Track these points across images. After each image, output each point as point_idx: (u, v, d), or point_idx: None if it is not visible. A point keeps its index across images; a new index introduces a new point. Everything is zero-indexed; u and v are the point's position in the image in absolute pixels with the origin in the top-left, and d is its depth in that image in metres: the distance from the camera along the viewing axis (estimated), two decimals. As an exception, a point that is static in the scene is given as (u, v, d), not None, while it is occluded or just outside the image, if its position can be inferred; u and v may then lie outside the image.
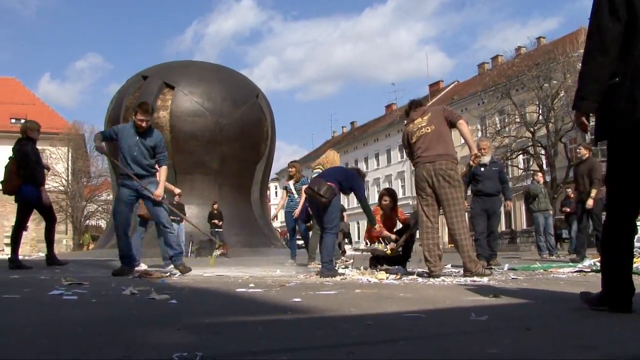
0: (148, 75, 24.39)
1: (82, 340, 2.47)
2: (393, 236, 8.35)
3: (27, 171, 9.21)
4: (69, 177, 53.27)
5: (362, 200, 7.98)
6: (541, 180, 15.94)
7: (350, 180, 7.87)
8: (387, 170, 67.21)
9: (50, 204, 10.20)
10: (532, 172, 26.33)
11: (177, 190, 11.69)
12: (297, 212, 11.56)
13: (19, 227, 9.64)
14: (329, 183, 7.56)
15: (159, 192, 7.55)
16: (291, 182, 12.25)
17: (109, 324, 2.98)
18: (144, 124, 7.49)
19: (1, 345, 2.36)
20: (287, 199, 12.33)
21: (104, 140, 7.68)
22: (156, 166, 7.88)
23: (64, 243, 54.37)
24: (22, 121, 10.22)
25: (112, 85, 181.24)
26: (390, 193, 8.85)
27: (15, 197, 9.38)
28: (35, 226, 53.36)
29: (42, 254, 40.37)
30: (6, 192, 9.38)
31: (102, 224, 58.24)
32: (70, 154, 53.36)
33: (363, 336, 2.62)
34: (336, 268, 7.75)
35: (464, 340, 2.53)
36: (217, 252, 9.99)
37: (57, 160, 52.54)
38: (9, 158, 9.35)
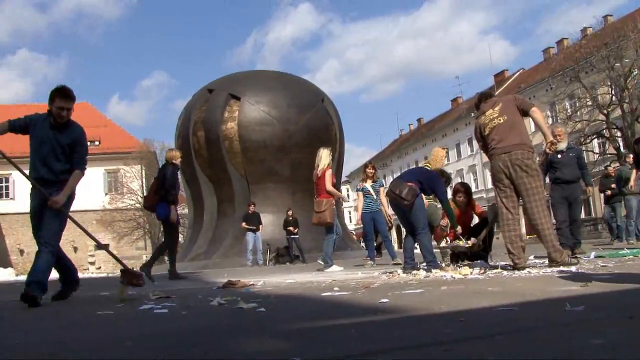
0: (213, 89, 24.72)
1: (180, 351, 2.51)
2: (461, 242, 8.25)
3: (162, 191, 10.61)
4: (144, 194, 54.34)
5: (444, 201, 7.93)
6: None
7: (431, 180, 7.80)
8: (458, 165, 66.52)
9: (178, 223, 11.22)
10: (624, 154, 25.68)
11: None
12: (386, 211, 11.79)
13: (169, 244, 11.18)
14: (409, 184, 7.51)
15: (58, 198, 5.80)
16: (368, 183, 12.22)
17: (202, 334, 3.02)
18: (63, 114, 5.78)
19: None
20: (364, 201, 12.29)
21: (9, 131, 5.98)
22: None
23: (143, 259, 55.50)
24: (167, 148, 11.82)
25: (178, 101, 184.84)
26: (464, 188, 8.76)
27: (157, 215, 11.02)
28: (115, 244, 54.88)
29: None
30: (145, 207, 11.59)
31: (179, 237, 59.21)
32: (143, 172, 54.48)
33: (457, 333, 2.58)
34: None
35: (564, 332, 2.46)
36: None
37: (131, 178, 53.82)
38: (154, 178, 11.22)
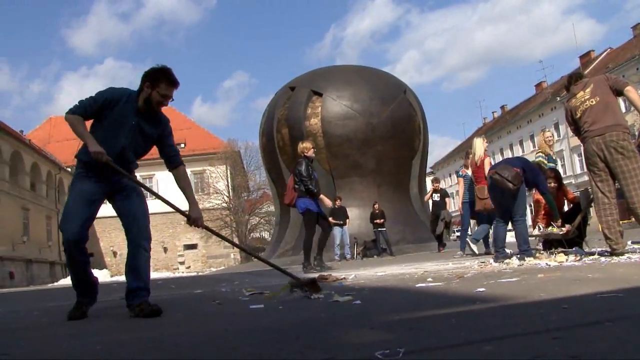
0: (295, 86, 24.90)
1: (282, 345, 2.53)
2: (555, 229, 8.08)
3: (300, 185, 10.70)
4: (230, 194, 55.30)
5: (546, 194, 7.78)
6: None
7: (534, 171, 7.68)
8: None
9: (325, 214, 11.46)
10: None
11: (327, 202, 11.78)
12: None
13: (312, 235, 11.11)
14: (515, 169, 7.39)
15: (199, 216, 4.99)
16: (469, 170, 12.10)
17: (302, 328, 3.04)
18: (165, 102, 4.68)
19: (210, 354, 2.45)
20: (464, 188, 12.20)
21: (88, 117, 4.63)
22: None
23: (231, 257, 56.55)
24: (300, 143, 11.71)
25: (259, 100, 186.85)
26: (554, 174, 8.57)
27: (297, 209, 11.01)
28: (203, 243, 56.03)
29: (214, 269, 41.81)
30: (285, 203, 11.34)
31: (266, 235, 60.06)
32: (228, 172, 55.48)
33: (563, 320, 2.52)
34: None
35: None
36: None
37: (217, 178, 54.87)
38: (292, 174, 11.09)
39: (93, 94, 4.65)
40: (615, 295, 3.14)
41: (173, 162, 4.93)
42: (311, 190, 10.73)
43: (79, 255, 4.53)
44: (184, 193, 4.91)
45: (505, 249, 7.84)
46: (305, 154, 11.03)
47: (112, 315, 4.78)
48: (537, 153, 10.59)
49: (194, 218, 4.84)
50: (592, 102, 6.57)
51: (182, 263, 56.62)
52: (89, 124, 4.65)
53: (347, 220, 19.47)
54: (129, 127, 4.56)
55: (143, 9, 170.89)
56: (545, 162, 10.21)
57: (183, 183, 4.98)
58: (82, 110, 4.53)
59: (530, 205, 8.95)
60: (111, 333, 3.51)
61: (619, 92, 6.56)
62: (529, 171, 7.57)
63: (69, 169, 56.44)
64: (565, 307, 2.88)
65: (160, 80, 4.56)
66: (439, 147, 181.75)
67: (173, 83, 4.63)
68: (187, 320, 3.92)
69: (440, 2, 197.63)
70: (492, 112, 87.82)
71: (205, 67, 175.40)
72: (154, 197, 5.22)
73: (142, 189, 4.86)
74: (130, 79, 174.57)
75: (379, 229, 19.90)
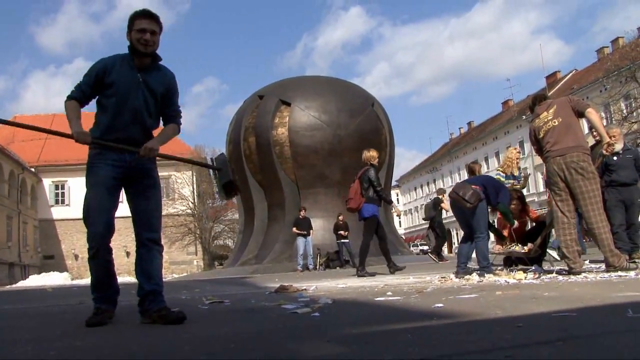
0: (264, 95, 24.91)
1: (238, 355, 2.53)
2: (517, 247, 8.19)
3: (369, 192, 10.97)
4: (195, 200, 55.01)
5: (500, 203, 7.80)
6: None
7: (496, 187, 7.77)
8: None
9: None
10: None
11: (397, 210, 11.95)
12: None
13: (369, 240, 11.39)
14: (474, 187, 7.50)
15: (151, 144, 4.25)
16: None
17: (259, 339, 3.04)
18: (147, 37, 4.21)
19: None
20: None
21: (83, 103, 4.36)
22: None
23: (194, 264, 56.22)
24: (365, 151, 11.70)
25: (228, 106, 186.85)
26: (517, 195, 8.69)
27: (358, 214, 11.22)
28: (166, 249, 55.60)
29: (176, 275, 41.42)
30: (352, 209, 11.27)
31: (230, 242, 59.84)
32: (194, 178, 55.18)
33: (517, 338, 2.55)
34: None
35: (628, 339, 2.42)
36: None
37: (182, 184, 54.57)
38: (357, 180, 11.17)
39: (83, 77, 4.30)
40: (568, 315, 3.18)
41: (170, 120, 4.54)
42: (384, 197, 11.32)
43: (105, 253, 4.23)
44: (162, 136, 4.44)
45: (467, 265, 7.91)
46: (372, 162, 11.32)
47: (69, 321, 4.73)
48: (497, 171, 10.80)
49: (146, 147, 4.21)
50: (554, 122, 6.69)
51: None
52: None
53: (311, 231, 19.48)
54: (135, 85, 4.24)
55: (114, 11, 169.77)
56: (503, 180, 10.38)
57: (163, 131, 4.51)
58: (78, 92, 4.28)
59: (492, 222, 9.03)
60: (66, 339, 3.47)
61: (580, 114, 6.70)
62: (490, 187, 7.67)
63: (33, 169, 55.78)
64: (520, 325, 2.91)
65: (133, 19, 4.26)
66: (405, 160, 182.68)
67: (144, 15, 4.28)
68: (141, 328, 3.88)
69: (413, 16, 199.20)
70: (459, 128, 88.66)
71: (175, 71, 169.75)
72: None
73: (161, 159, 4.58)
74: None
75: (343, 241, 19.92)
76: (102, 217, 4.16)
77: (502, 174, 10.39)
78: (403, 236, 59.70)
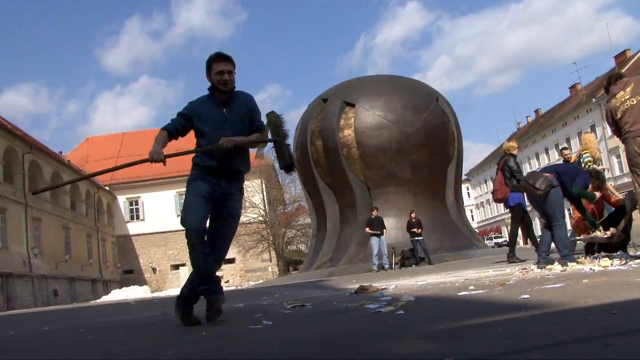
0: (327, 98, 24.94)
1: (330, 356, 2.52)
2: (599, 233, 7.99)
3: (512, 180, 10.94)
4: (266, 207, 55.42)
5: (575, 186, 7.52)
6: None
7: (572, 173, 7.57)
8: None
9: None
10: None
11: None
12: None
13: (516, 229, 11.86)
14: (545, 174, 7.35)
15: (234, 137, 4.82)
16: None
17: (347, 339, 3.02)
18: (225, 77, 4.88)
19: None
20: None
21: (169, 139, 5.07)
22: None
23: (269, 270, 56.68)
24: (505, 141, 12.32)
25: (292, 112, 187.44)
26: (595, 174, 8.47)
27: (504, 203, 11.60)
28: (241, 257, 56.23)
29: (252, 283, 41.95)
30: (498, 199, 11.61)
31: (303, 247, 60.08)
32: (264, 185, 55.59)
33: (614, 326, 2.47)
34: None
35: None
36: None
37: (252, 192, 55.00)
38: (499, 171, 11.41)
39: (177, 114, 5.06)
40: (665, 299, 3.08)
41: (257, 130, 5.05)
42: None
43: (202, 246, 4.72)
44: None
45: (549, 255, 7.74)
46: (512, 151, 11.41)
47: (156, 331, 4.80)
48: (586, 153, 10.62)
49: (226, 138, 4.75)
50: (632, 101, 6.47)
51: (220, 277, 56.83)
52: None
53: (385, 230, 19.40)
54: (222, 121, 4.88)
55: (174, 27, 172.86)
56: (593, 164, 10.22)
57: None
58: (171, 127, 4.98)
59: (569, 210, 8.83)
60: (157, 348, 3.53)
61: (662, 92, 6.46)
62: (566, 174, 7.48)
63: (107, 188, 57.14)
64: (615, 312, 2.82)
65: (210, 63, 4.90)
66: (474, 153, 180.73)
67: (220, 58, 4.90)
68: (231, 334, 3.92)
69: (471, 7, 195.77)
70: (526, 117, 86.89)
71: (238, 81, 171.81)
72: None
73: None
74: (164, 95, 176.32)
75: (417, 238, 19.76)
76: (198, 216, 4.74)
77: (591, 157, 10.28)
78: (477, 230, 58.96)
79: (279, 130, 5.06)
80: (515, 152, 11.42)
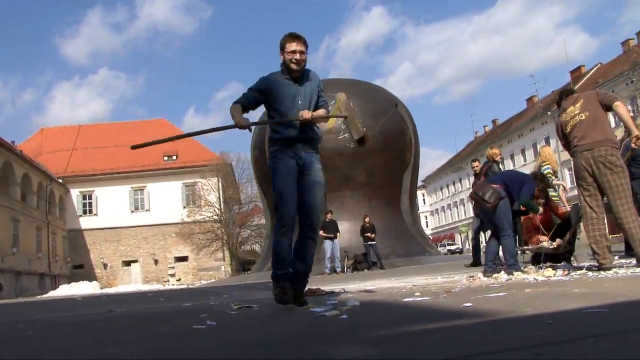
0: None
1: (267, 359, 2.52)
2: (546, 244, 8.12)
3: None
4: (222, 206, 55.21)
5: (522, 197, 7.63)
6: None
7: (519, 182, 7.67)
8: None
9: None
10: None
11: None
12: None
13: None
14: (493, 186, 7.46)
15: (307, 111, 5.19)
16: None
17: (288, 342, 3.04)
18: (297, 57, 5.21)
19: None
20: None
21: (246, 109, 5.33)
22: None
23: (222, 270, 56.43)
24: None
25: (253, 112, 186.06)
26: (541, 187, 8.61)
27: None
28: (194, 256, 55.91)
29: (204, 282, 41.69)
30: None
31: (257, 248, 59.98)
32: (220, 184, 55.38)
33: (547, 336, 2.52)
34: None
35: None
36: None
37: (208, 191, 54.79)
38: (482, 176, 11.33)
39: (248, 89, 5.37)
40: (600, 311, 3.14)
41: (320, 107, 5.42)
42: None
43: (290, 232, 5.14)
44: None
45: (495, 264, 7.85)
46: (495, 158, 11.74)
47: (100, 328, 4.76)
48: (546, 165, 10.77)
49: (303, 111, 5.15)
50: (581, 117, 6.62)
51: (172, 275, 56.38)
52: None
53: (338, 234, 19.46)
54: (294, 93, 5.25)
55: (137, 20, 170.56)
56: (553, 176, 10.40)
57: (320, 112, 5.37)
58: (244, 99, 5.28)
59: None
60: (98, 347, 3.49)
61: (608, 107, 6.63)
62: (514, 183, 7.60)
63: (60, 180, 56.27)
64: (550, 322, 2.89)
65: (284, 42, 5.25)
66: (431, 160, 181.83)
67: (294, 37, 5.26)
68: (173, 334, 3.90)
69: (436, 15, 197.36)
70: (484, 126, 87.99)
71: (199, 77, 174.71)
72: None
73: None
74: (123, 89, 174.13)
75: (370, 243, 19.87)
76: (292, 201, 5.13)
77: (551, 169, 10.48)
78: (430, 236, 59.45)
79: (349, 108, 5.42)
80: (498, 158, 11.65)
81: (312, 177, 5.26)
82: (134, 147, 5.34)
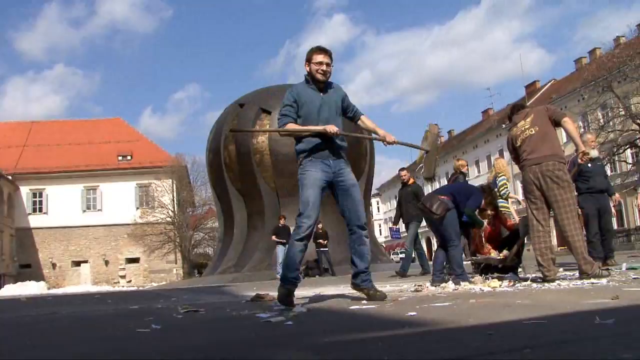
0: (244, 103, 24.88)
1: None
2: (493, 254, 8.25)
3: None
4: (175, 208, 54.80)
5: (468, 209, 7.78)
6: None
7: (466, 194, 7.79)
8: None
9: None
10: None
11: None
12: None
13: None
14: (441, 197, 7.55)
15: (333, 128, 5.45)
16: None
17: (231, 348, 3.03)
18: (324, 67, 5.55)
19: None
20: None
21: (296, 123, 5.61)
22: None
23: (174, 272, 55.98)
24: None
25: (210, 114, 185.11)
26: (489, 200, 8.73)
27: None
28: (145, 257, 55.36)
29: (154, 284, 41.31)
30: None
31: (210, 251, 59.66)
32: (174, 186, 54.98)
33: (486, 346, 2.57)
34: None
35: (593, 346, 2.44)
36: None
37: (162, 192, 54.32)
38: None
39: (283, 106, 5.63)
40: (539, 322, 3.20)
41: (356, 116, 5.93)
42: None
43: (306, 240, 5.52)
44: (374, 128, 5.94)
45: (443, 274, 7.94)
46: (462, 170, 11.78)
47: (40, 330, 4.70)
48: (500, 176, 10.89)
49: (383, 134, 5.78)
50: (531, 131, 6.75)
51: (123, 277, 55.70)
52: None
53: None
54: (320, 103, 5.56)
55: (95, 17, 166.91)
56: (508, 187, 10.54)
57: (369, 124, 5.96)
58: (287, 118, 5.57)
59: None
60: (33, 350, 3.45)
61: (557, 123, 6.76)
62: (461, 194, 7.72)
63: (10, 177, 55.14)
64: (491, 333, 2.93)
65: (312, 54, 5.60)
66: (387, 169, 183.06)
67: (322, 50, 5.64)
68: (114, 337, 3.87)
69: (397, 25, 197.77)
70: (440, 137, 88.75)
71: (157, 77, 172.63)
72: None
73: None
74: (80, 86, 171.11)
75: (322, 249, 19.92)
76: (316, 211, 5.48)
77: (506, 180, 10.64)
78: (383, 244, 59.75)
79: (435, 143, 6.07)
80: (464, 170, 11.73)
81: (346, 181, 5.61)
82: (232, 131, 5.86)
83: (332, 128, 5.36)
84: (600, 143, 32.41)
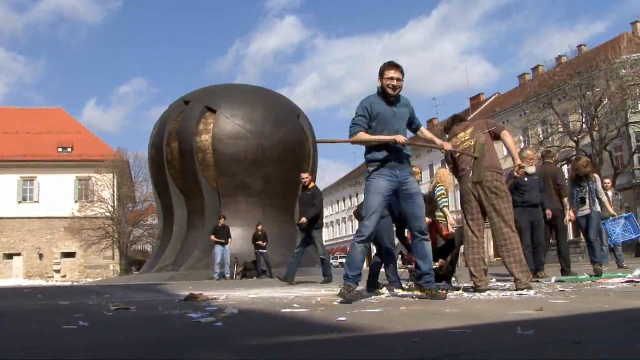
0: (190, 100, 24.72)
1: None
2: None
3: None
4: (115, 203, 54.00)
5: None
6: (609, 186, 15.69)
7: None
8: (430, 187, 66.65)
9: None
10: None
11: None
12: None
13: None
14: None
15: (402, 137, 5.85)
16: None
17: (157, 347, 3.01)
18: (394, 83, 5.88)
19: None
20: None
21: (367, 133, 5.95)
22: None
23: (110, 268, 55.13)
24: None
25: (154, 109, 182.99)
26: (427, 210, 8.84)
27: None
28: (82, 252, 54.40)
29: (90, 280, 40.68)
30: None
31: (148, 247, 58.97)
32: (115, 180, 54.19)
33: (409, 353, 2.60)
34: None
35: (511, 356, 2.49)
36: None
37: (102, 186, 53.45)
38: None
39: (356, 116, 6.00)
40: (464, 331, 3.26)
41: (418, 127, 6.41)
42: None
43: (367, 243, 5.94)
44: (432, 138, 6.54)
45: (377, 280, 8.01)
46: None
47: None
48: (438, 186, 10.94)
49: (440, 143, 6.45)
50: (471, 142, 6.86)
51: (57, 271, 54.47)
52: None
53: (230, 240, 19.40)
54: (391, 116, 5.94)
55: (40, 2, 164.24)
56: (446, 197, 10.64)
57: (427, 134, 6.53)
58: (359, 127, 5.93)
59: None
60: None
61: (496, 136, 6.89)
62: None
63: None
64: (416, 340, 2.97)
65: (384, 69, 5.94)
66: (331, 172, 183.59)
67: (393, 65, 5.96)
68: (41, 333, 3.80)
69: (348, 30, 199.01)
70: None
71: (103, 69, 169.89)
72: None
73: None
74: (21, 73, 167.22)
75: (261, 251, 19.93)
76: (376, 216, 5.81)
77: (444, 190, 10.68)
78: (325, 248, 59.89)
79: (482, 151, 6.58)
80: (417, 177, 11.65)
81: (410, 189, 5.92)
82: (316, 142, 6.19)
83: (400, 138, 5.72)
84: (539, 158, 33.04)
